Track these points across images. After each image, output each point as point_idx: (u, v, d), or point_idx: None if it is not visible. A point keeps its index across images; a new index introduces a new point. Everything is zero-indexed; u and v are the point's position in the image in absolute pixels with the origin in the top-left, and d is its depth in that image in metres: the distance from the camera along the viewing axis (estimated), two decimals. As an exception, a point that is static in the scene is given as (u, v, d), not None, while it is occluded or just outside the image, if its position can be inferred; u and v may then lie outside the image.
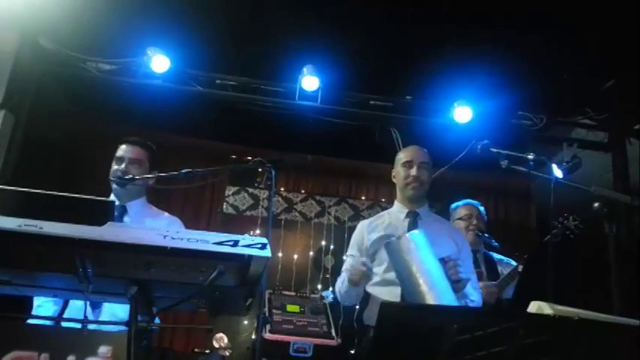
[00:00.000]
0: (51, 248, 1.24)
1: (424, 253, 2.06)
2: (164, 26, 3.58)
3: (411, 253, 2.06)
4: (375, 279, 2.39)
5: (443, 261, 2.16)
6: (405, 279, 2.08)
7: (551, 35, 3.46)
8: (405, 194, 2.52)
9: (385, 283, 2.36)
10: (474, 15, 3.38)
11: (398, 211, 2.56)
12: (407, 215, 2.50)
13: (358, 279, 2.25)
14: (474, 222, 3.16)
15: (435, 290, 1.97)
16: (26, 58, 3.67)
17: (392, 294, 2.28)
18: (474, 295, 2.32)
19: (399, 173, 2.55)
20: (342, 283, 2.42)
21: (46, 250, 1.25)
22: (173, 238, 1.26)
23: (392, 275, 2.31)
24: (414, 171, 2.47)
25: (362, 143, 4.44)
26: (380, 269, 2.39)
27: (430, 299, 1.96)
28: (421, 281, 1.98)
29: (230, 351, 3.79)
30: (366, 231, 2.53)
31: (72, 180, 4.33)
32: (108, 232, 1.23)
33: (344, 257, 2.63)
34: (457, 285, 2.15)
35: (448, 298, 2.01)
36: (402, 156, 2.58)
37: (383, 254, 2.35)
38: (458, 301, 2.10)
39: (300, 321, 3.82)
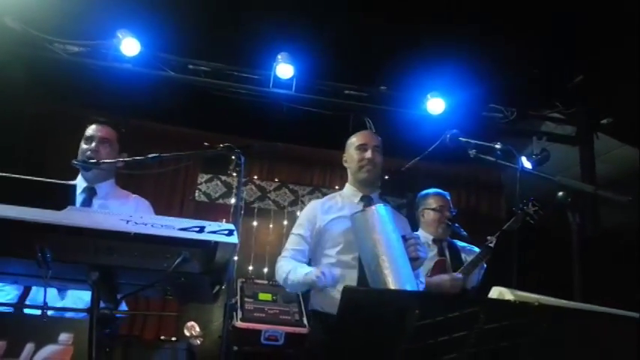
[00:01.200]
0: (8, 232, 1.20)
1: (389, 227, 2.10)
2: (135, 8, 3.49)
3: (376, 225, 2.09)
4: (330, 260, 2.34)
5: (404, 238, 2.19)
6: (367, 251, 2.11)
7: (523, 30, 3.51)
8: (359, 177, 2.51)
9: (340, 264, 2.31)
10: (449, 8, 3.40)
11: (351, 194, 2.54)
12: (361, 199, 2.49)
13: (322, 287, 2.20)
14: (447, 214, 3.18)
15: (395, 264, 2.02)
16: (-10, 37, 3.55)
17: (348, 277, 2.26)
18: (422, 277, 2.45)
19: (351, 156, 2.54)
20: (294, 275, 2.29)
21: (4, 234, 1.21)
22: (136, 224, 1.24)
23: (348, 257, 2.30)
24: (368, 154, 2.47)
25: (336, 132, 4.43)
26: (333, 251, 2.34)
27: (389, 273, 2.00)
28: (383, 255, 2.02)
29: (202, 339, 3.77)
30: (319, 211, 2.48)
31: (36, 164, 4.22)
32: (67, 216, 1.19)
33: (291, 233, 2.52)
34: (414, 263, 2.19)
35: (406, 273, 2.04)
36: (354, 140, 2.58)
37: (338, 236, 2.34)
38: (414, 278, 2.15)
39: (272, 309, 3.82)
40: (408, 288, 2.01)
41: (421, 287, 2.40)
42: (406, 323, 0.91)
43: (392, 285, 1.98)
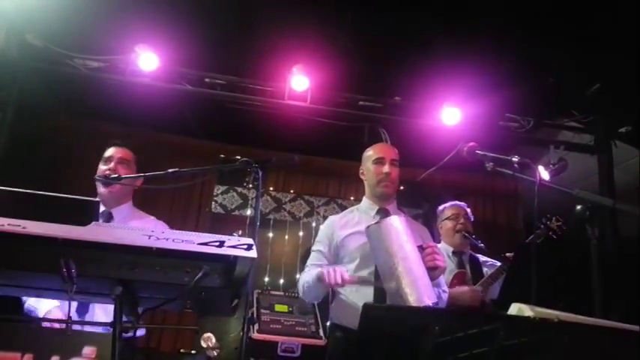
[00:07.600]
0: (34, 248, 1.24)
1: (404, 238, 2.08)
2: (152, 24, 3.55)
3: (390, 237, 2.07)
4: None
5: (420, 248, 2.16)
6: (383, 263, 2.10)
7: (539, 38, 3.49)
8: (376, 191, 2.48)
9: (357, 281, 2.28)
10: (463, 17, 3.40)
11: (368, 207, 2.52)
12: (377, 212, 2.47)
13: (331, 285, 2.15)
14: (461, 221, 3.19)
15: (412, 276, 1.99)
16: (12, 54, 3.64)
17: (363, 294, 2.24)
18: (445, 286, 2.39)
19: (368, 170, 2.51)
20: (309, 277, 2.31)
21: (30, 249, 1.24)
22: (158, 239, 1.26)
23: (364, 272, 2.28)
24: (386, 168, 2.43)
25: (351, 143, 4.44)
26: (350, 266, 2.31)
27: (406, 285, 1.97)
28: (399, 267, 2.00)
29: (218, 351, 3.78)
30: (337, 227, 2.46)
31: (58, 179, 4.29)
32: (91, 232, 1.22)
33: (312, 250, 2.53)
34: (434, 272, 2.15)
35: (423, 285, 2.02)
36: (371, 153, 2.54)
37: (355, 251, 2.32)
38: (433, 288, 2.11)
39: (288, 321, 3.82)
40: (426, 300, 1.99)
41: (444, 296, 2.37)
42: (426, 340, 0.91)
43: (409, 297, 1.96)
